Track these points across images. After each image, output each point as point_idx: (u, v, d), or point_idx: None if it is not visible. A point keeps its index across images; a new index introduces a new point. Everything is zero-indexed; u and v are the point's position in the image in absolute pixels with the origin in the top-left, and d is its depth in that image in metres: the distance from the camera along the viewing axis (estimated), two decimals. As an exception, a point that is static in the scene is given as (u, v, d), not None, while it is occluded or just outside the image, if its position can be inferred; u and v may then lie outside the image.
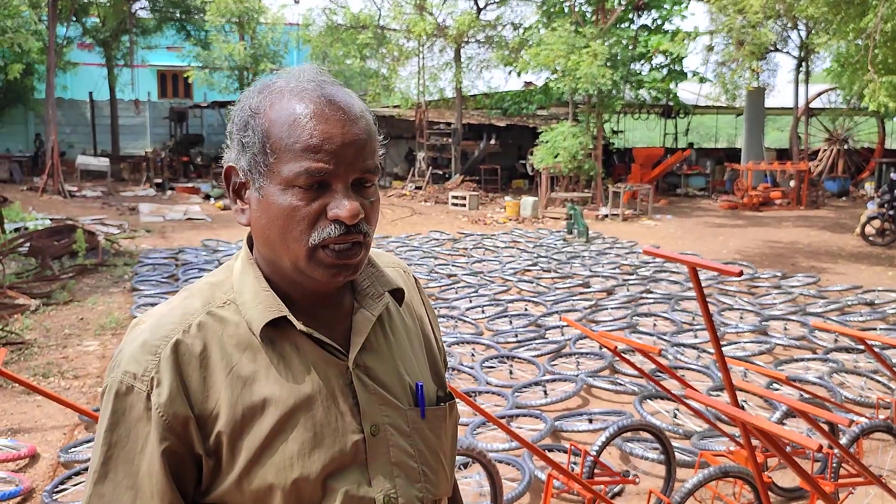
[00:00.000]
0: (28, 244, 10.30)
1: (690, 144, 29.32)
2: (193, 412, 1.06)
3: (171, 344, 1.08)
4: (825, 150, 24.79)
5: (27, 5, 20.58)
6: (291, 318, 1.10)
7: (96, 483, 1.07)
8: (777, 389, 5.61)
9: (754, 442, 3.16)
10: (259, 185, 1.10)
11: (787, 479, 4.30)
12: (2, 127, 26.96)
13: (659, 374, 5.74)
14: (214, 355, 1.09)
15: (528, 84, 26.60)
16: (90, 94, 28.20)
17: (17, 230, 11.97)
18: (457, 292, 9.03)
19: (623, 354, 3.93)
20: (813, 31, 20.51)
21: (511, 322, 7.60)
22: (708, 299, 6.23)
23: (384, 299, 1.21)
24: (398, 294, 1.25)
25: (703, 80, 22.04)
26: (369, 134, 1.10)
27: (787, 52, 23.79)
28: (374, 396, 1.15)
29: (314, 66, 1.15)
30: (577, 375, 5.80)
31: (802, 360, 6.40)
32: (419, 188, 21.67)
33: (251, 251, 1.18)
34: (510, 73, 23.13)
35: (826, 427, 4.02)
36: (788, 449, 3.63)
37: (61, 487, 4.01)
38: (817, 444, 2.00)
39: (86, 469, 4.13)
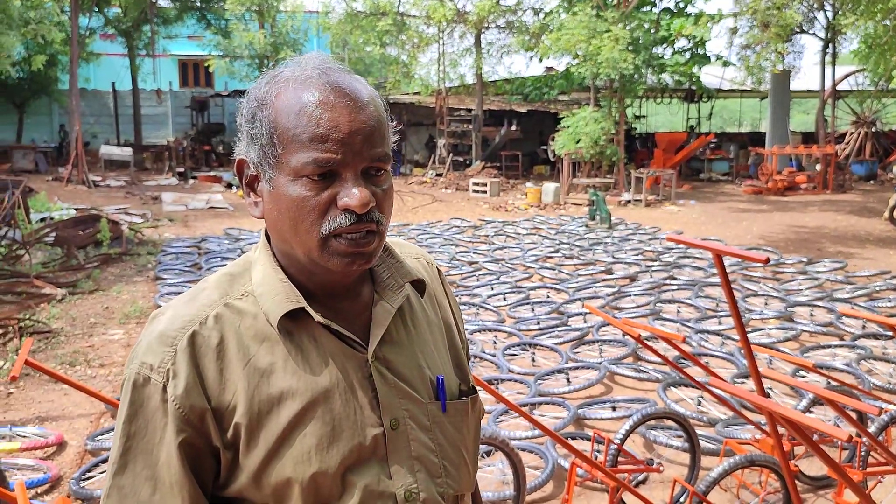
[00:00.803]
0: (54, 234, 10.43)
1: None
2: (210, 404, 1.06)
3: (188, 335, 1.07)
4: (852, 133, 24.40)
5: (50, -3, 20.70)
6: (309, 309, 1.09)
7: (115, 474, 1.07)
8: (803, 377, 5.55)
9: (780, 430, 3.12)
10: (269, 177, 1.09)
11: (813, 467, 4.25)
12: (27, 118, 27.26)
13: (682, 361, 5.70)
14: (231, 347, 1.08)
15: (549, 69, 26.44)
16: (113, 84, 28.43)
17: (42, 220, 12.11)
18: (478, 280, 9.01)
19: (647, 342, 3.90)
20: (840, 12, 20.17)
21: (533, 309, 7.57)
22: (732, 285, 6.15)
23: (404, 291, 1.19)
24: (419, 285, 1.23)
25: (726, 63, 21.77)
26: (378, 121, 1.08)
27: (814, 34, 23.41)
28: (394, 390, 1.13)
29: (321, 53, 1.13)
30: (599, 363, 5.77)
31: (829, 346, 6.32)
32: (440, 175, 21.64)
33: (269, 243, 1.17)
34: (531, 58, 23.03)
35: (854, 415, 3.96)
36: (815, 437, 3.58)
37: (88, 475, 4.06)
38: (847, 434, 1.96)
39: (112, 457, 4.17)
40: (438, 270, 1.36)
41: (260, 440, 1.06)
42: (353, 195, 1.04)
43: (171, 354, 1.06)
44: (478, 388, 1.31)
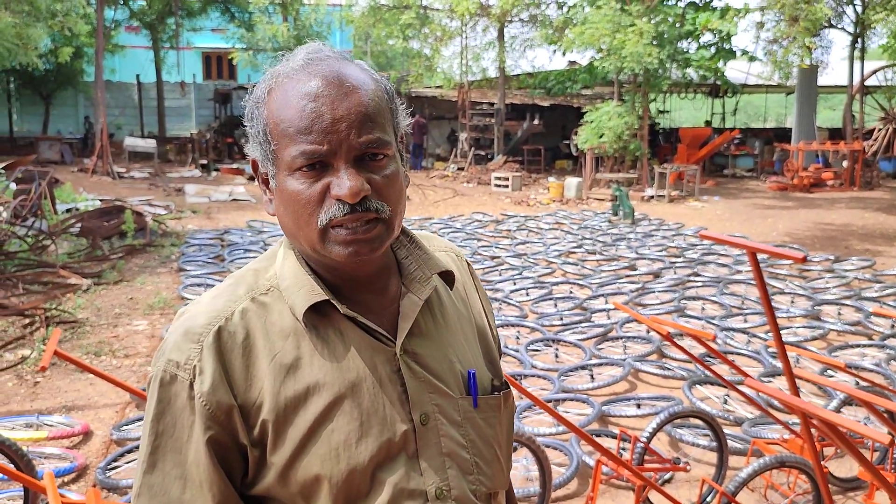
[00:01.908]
0: (79, 225, 10.52)
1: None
2: (237, 401, 1.04)
3: (214, 332, 1.06)
4: (880, 130, 24.01)
5: (76, -11, 20.87)
6: (334, 301, 1.07)
7: (145, 473, 1.06)
8: (832, 376, 5.47)
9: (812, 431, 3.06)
10: (272, 174, 1.09)
11: (842, 469, 4.19)
12: (53, 109, 27.57)
13: (708, 358, 5.64)
14: (258, 343, 1.07)
15: (572, 63, 26.24)
16: (137, 76, 28.66)
17: (68, 211, 12.23)
18: (500, 274, 8.97)
19: (674, 339, 3.85)
20: (869, 7, 19.85)
21: (556, 305, 7.53)
22: (760, 283, 6.08)
23: (432, 282, 1.16)
24: (448, 277, 1.20)
25: (752, 58, 21.50)
26: (368, 106, 1.04)
27: (842, 28, 23.06)
28: (424, 384, 1.10)
29: (314, 44, 1.12)
30: (624, 359, 5.73)
31: (858, 346, 6.23)
32: (461, 169, 21.58)
33: None
34: (554, 52, 22.84)
35: (886, 416, 3.89)
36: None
37: (114, 464, 4.09)
38: (889, 437, 1.91)
39: (137, 447, 4.19)
40: (468, 264, 1.34)
41: (287, 437, 1.05)
42: (342, 185, 1.02)
43: (198, 351, 1.05)
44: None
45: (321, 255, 1.08)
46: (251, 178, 19.66)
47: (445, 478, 1.10)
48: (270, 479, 1.05)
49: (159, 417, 1.05)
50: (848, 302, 7.52)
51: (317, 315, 1.08)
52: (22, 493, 3.33)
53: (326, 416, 1.05)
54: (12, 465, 3.01)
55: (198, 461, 1.04)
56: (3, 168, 15.99)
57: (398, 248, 1.20)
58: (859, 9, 21.63)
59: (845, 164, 20.03)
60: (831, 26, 22.78)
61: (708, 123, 27.84)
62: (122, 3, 26.18)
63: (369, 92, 1.06)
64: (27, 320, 6.75)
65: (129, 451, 4.20)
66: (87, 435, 4.58)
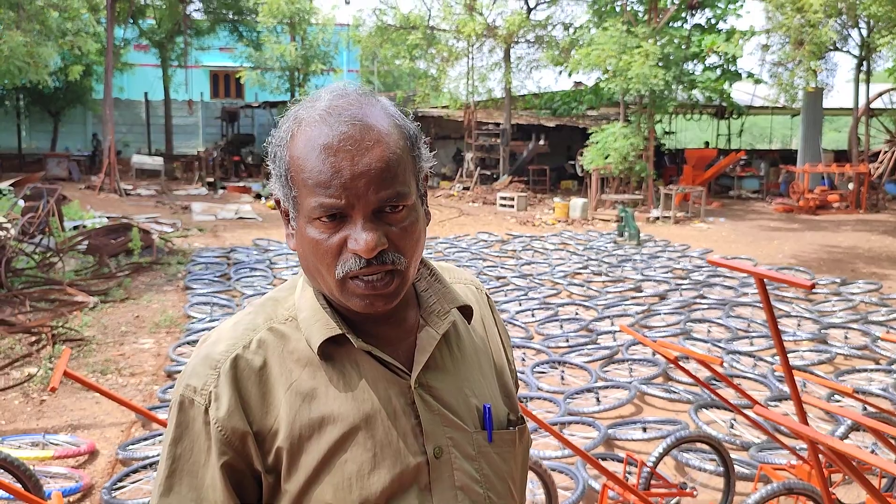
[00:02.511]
0: (86, 242, 10.56)
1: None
2: (252, 428, 1.06)
3: (231, 359, 1.08)
4: (886, 152, 24.02)
5: (87, 8, 21.10)
6: (350, 335, 1.08)
7: (161, 496, 1.07)
8: (838, 401, 5.45)
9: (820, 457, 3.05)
10: (293, 216, 1.10)
11: (850, 495, 4.16)
12: (62, 126, 27.76)
13: (714, 382, 5.62)
14: (274, 371, 1.08)
15: (578, 84, 26.38)
16: (145, 94, 28.89)
17: (75, 228, 12.28)
18: (506, 295, 8.97)
19: (680, 362, 3.85)
20: (874, 30, 19.92)
21: (562, 326, 7.53)
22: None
23: (450, 317, 1.17)
24: (466, 311, 1.21)
25: (757, 80, 21.57)
26: (389, 160, 1.03)
27: (847, 51, 23.15)
28: (438, 417, 1.11)
29: (338, 85, 1.11)
30: (630, 382, 5.71)
31: (865, 370, 6.21)
32: (467, 189, 21.65)
33: None
34: (560, 73, 22.98)
35: (894, 443, 3.87)
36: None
37: (119, 484, 4.08)
38: (897, 467, 1.91)
39: (143, 467, 4.20)
40: (488, 297, 1.34)
41: (301, 465, 1.06)
42: (359, 240, 1.02)
43: (215, 377, 1.07)
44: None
45: (339, 301, 1.09)
46: (257, 197, 19.75)
47: None
48: None
49: (177, 441, 1.08)
50: (855, 326, 7.50)
51: (333, 346, 1.10)
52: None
53: (340, 447, 1.06)
54: (20, 485, 3.01)
55: (213, 486, 1.05)
56: (11, 185, 16.09)
57: (418, 280, 1.21)
58: (864, 32, 21.72)
59: (851, 186, 20.03)
60: (836, 49, 22.88)
61: (707, 145, 27.91)
62: (131, 22, 26.44)
63: (391, 144, 1.05)
64: (34, 338, 6.77)
65: (135, 472, 4.19)
66: (92, 454, 4.58)
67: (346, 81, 1.14)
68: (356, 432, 1.07)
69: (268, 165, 1.13)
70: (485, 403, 1.17)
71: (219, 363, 1.08)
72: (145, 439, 4.65)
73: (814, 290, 9.40)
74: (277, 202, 1.14)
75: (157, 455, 4.21)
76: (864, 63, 22.63)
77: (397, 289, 1.07)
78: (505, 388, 1.25)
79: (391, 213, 1.05)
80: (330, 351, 1.09)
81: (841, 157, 24.88)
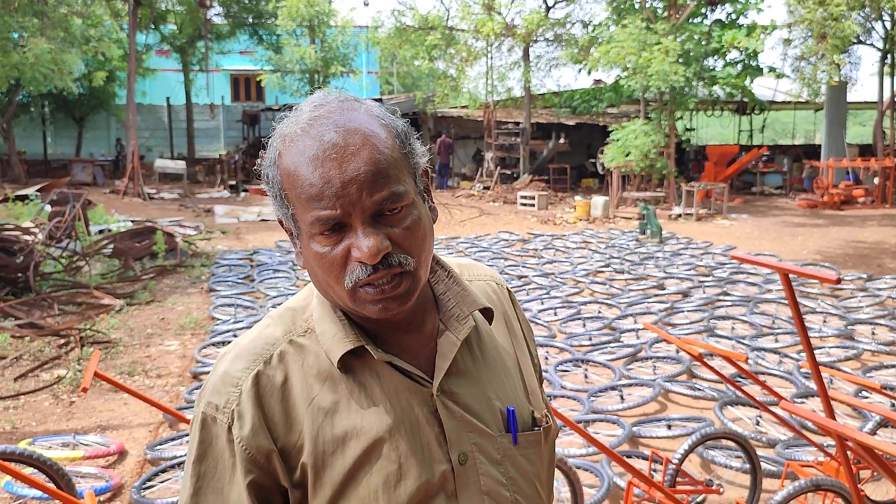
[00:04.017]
0: (112, 246, 10.69)
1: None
2: (276, 445, 1.05)
3: (253, 376, 1.07)
4: (911, 146, 23.72)
5: (109, 15, 21.37)
6: (369, 346, 1.07)
7: None
8: (866, 398, 5.39)
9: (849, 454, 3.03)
10: (296, 233, 1.09)
11: (880, 492, 4.12)
12: (86, 132, 28.12)
13: (739, 379, 5.59)
14: (296, 386, 1.08)
15: (597, 82, 26.31)
16: (167, 98, 29.17)
17: (101, 232, 12.43)
18: (528, 294, 8.97)
19: (704, 359, 3.83)
20: (898, 22, 19.67)
21: (584, 325, 7.51)
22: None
23: (470, 321, 1.15)
24: (487, 312, 1.19)
25: (780, 75, 21.38)
26: (378, 161, 1.01)
27: (871, 45, 22.87)
28: (462, 423, 1.10)
29: (319, 95, 1.09)
30: (654, 380, 5.69)
31: (893, 366, 6.13)
32: (487, 188, 21.64)
33: None
34: (580, 71, 22.91)
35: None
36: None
37: (149, 484, 4.13)
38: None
39: (172, 466, 4.25)
40: (510, 292, 1.32)
41: (326, 480, 1.05)
42: (361, 248, 1.01)
43: (237, 395, 1.06)
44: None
45: (353, 311, 1.08)
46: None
47: None
48: None
49: (201, 459, 1.07)
50: (882, 321, 7.41)
51: (353, 358, 1.08)
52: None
53: (365, 460, 1.06)
54: (53, 485, 3.07)
55: (240, 503, 1.05)
56: (38, 190, 16.33)
57: (436, 282, 1.19)
58: (888, 25, 21.45)
59: (876, 180, 19.78)
60: (860, 42, 22.60)
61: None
62: (153, 27, 26.71)
63: (378, 145, 1.03)
64: (62, 341, 6.87)
65: (164, 471, 4.25)
66: (121, 454, 4.64)
67: (327, 90, 1.11)
68: (380, 445, 1.06)
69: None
70: (508, 406, 1.16)
71: (240, 381, 1.07)
72: (173, 439, 4.71)
73: (840, 286, 9.33)
74: (281, 223, 1.12)
75: (185, 455, 4.26)
76: (889, 56, 22.33)
77: (409, 290, 1.05)
78: (529, 387, 1.23)
79: (391, 214, 1.03)
80: (350, 363, 1.08)
81: (866, 151, 24.59)
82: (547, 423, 1.21)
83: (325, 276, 1.05)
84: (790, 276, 2.63)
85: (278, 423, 1.06)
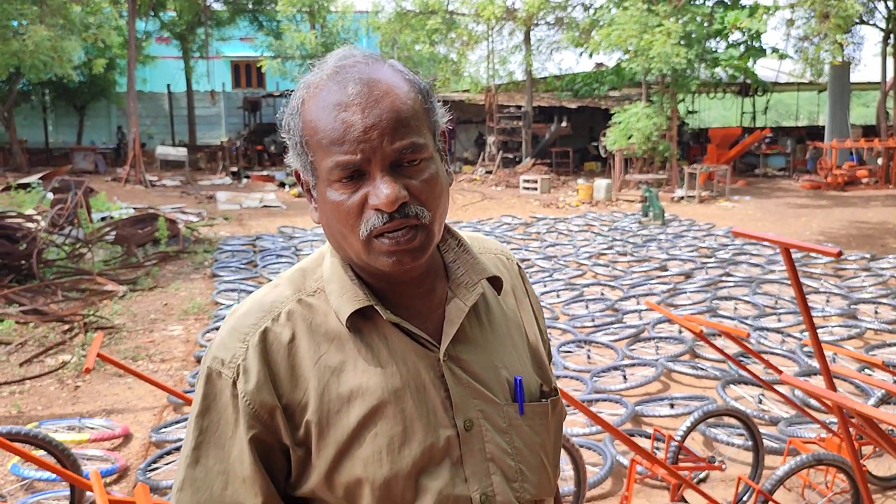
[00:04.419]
0: (114, 233, 10.71)
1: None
2: (280, 401, 1.05)
3: (260, 332, 1.07)
4: (915, 126, 23.63)
5: (108, 2, 21.28)
6: (378, 307, 1.07)
7: (188, 467, 1.07)
8: (870, 374, 5.40)
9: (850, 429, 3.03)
10: (314, 184, 1.08)
11: (882, 467, 4.14)
12: (87, 120, 28.08)
13: (742, 357, 5.60)
14: (303, 344, 1.07)
15: (599, 65, 26.15)
16: (168, 86, 29.11)
17: (103, 219, 12.45)
18: (531, 277, 8.97)
19: (707, 338, 3.83)
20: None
21: (587, 306, 7.52)
22: (793, 282, 6.02)
23: (479, 288, 1.15)
24: (496, 282, 1.19)
25: (783, 56, 21.26)
26: (400, 110, 1.02)
27: (874, 24, 22.74)
28: (468, 389, 1.10)
29: (343, 49, 1.10)
30: (656, 360, 5.70)
31: (895, 345, 6.14)
32: (489, 172, 21.60)
33: None
34: (581, 54, 22.77)
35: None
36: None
37: (154, 466, 4.16)
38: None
39: (176, 449, 4.27)
40: (519, 266, 1.32)
41: (330, 439, 1.05)
42: (379, 194, 1.01)
43: (243, 350, 1.06)
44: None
45: (366, 264, 1.07)
46: (281, 185, 19.86)
47: (489, 484, 1.09)
48: (315, 480, 1.06)
49: (204, 413, 1.07)
50: (885, 301, 7.41)
51: (361, 319, 1.08)
52: (68, 493, 3.41)
53: (370, 420, 1.06)
54: (60, 466, 3.09)
55: (241, 458, 1.05)
56: (40, 178, 16.34)
57: (446, 251, 1.19)
58: (891, 4, 21.31)
59: (880, 161, 19.72)
60: (863, 22, 22.48)
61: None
62: (152, 14, 26.62)
63: (401, 95, 1.04)
64: (66, 326, 6.89)
65: (168, 453, 4.27)
66: (127, 437, 4.67)
67: (351, 46, 1.12)
68: (385, 406, 1.06)
69: (284, 139, 1.11)
70: (516, 375, 1.15)
71: (247, 336, 1.07)
72: (177, 422, 4.73)
73: (843, 266, 9.32)
74: (297, 176, 1.12)
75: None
76: (892, 36, 22.21)
77: (423, 244, 1.05)
78: (537, 359, 1.23)
79: (409, 165, 1.03)
80: (358, 324, 1.08)
81: (869, 132, 24.51)
82: (555, 395, 1.21)
83: (341, 226, 1.05)
84: (792, 252, 2.63)
85: (284, 380, 1.06)
